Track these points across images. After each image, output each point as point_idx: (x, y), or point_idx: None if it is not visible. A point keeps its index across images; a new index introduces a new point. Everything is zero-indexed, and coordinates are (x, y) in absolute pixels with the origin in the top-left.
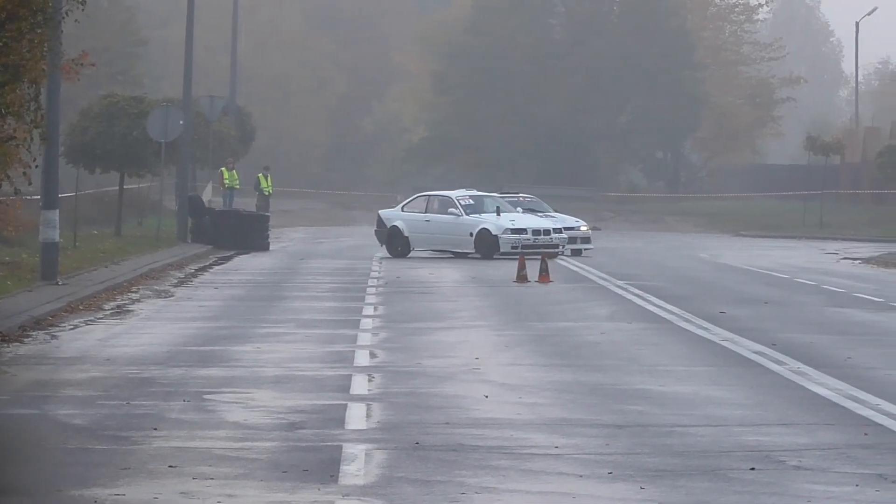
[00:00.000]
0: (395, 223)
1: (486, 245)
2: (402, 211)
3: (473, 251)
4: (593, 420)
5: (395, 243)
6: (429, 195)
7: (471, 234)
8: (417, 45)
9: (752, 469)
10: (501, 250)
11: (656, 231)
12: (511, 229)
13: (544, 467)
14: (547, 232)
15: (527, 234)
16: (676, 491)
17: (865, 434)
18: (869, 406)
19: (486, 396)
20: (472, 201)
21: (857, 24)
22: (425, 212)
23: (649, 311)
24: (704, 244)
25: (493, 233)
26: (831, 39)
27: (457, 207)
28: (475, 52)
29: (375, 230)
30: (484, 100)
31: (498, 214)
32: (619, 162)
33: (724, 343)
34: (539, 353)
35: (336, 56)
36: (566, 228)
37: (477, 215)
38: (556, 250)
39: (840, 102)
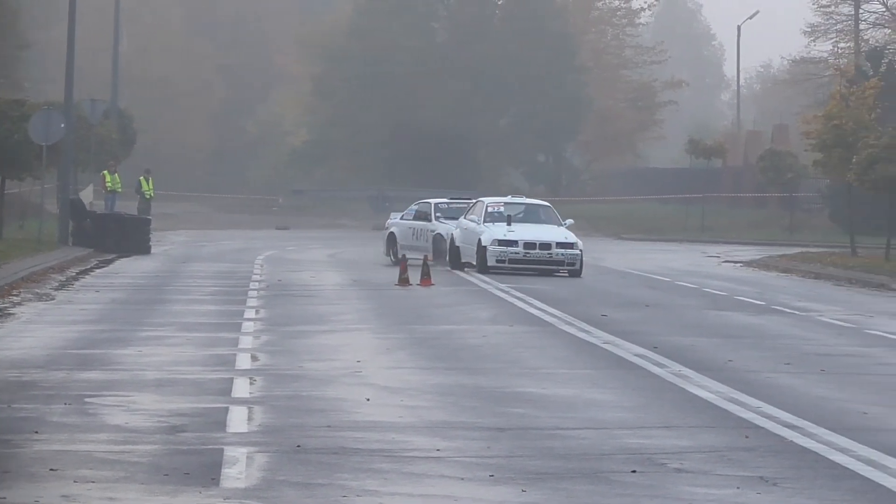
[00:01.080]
0: (452, 231)
1: (480, 257)
2: (464, 218)
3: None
4: (475, 423)
5: (453, 253)
6: (478, 201)
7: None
8: (299, 48)
9: (634, 472)
10: (488, 264)
11: None
12: (500, 241)
13: (426, 470)
14: (546, 246)
15: (516, 246)
16: (558, 493)
17: (746, 437)
18: (750, 409)
19: (368, 399)
20: (502, 208)
21: (738, 27)
22: (466, 218)
23: (531, 314)
24: (586, 247)
25: (483, 244)
26: (713, 43)
27: (479, 214)
28: (357, 55)
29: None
30: (366, 103)
31: (509, 224)
32: (500, 165)
33: (605, 346)
34: (421, 356)
35: (218, 59)
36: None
37: (490, 224)
38: (556, 269)
39: (722, 106)
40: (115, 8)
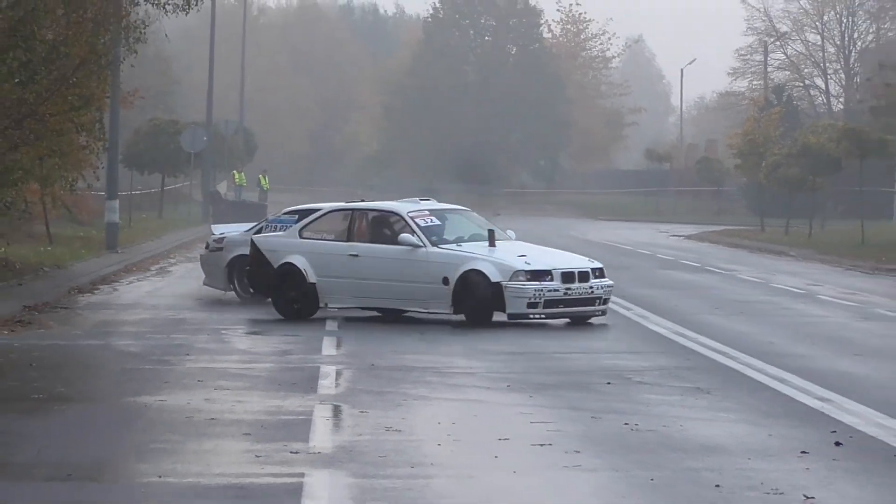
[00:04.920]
0: (288, 258)
1: (478, 300)
2: (300, 237)
3: (448, 309)
4: (497, 349)
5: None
6: (349, 208)
7: (445, 281)
8: (372, 83)
9: (608, 383)
10: (510, 311)
11: (540, 217)
12: (527, 272)
13: (462, 382)
14: (584, 276)
15: (550, 280)
16: (555, 399)
17: (688, 359)
18: (690, 339)
19: (421, 334)
20: (434, 220)
21: (682, 70)
22: (348, 239)
23: None
24: (574, 226)
25: (493, 278)
26: (663, 80)
27: (413, 230)
28: (413, 88)
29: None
30: (419, 123)
31: (491, 244)
32: (513, 168)
33: None
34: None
35: (313, 91)
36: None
37: (453, 246)
38: (594, 309)
39: (669, 126)
40: (242, 56)
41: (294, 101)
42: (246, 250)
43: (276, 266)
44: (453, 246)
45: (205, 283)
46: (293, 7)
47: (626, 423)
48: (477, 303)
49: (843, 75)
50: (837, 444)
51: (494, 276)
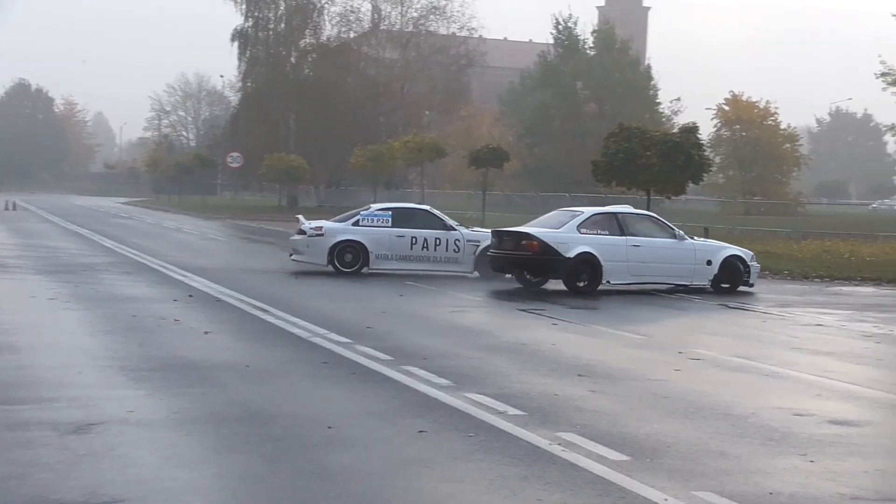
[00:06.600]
0: (580, 249)
1: (735, 275)
2: (580, 233)
3: (707, 282)
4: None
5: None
6: (612, 212)
7: (708, 263)
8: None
9: (85, 271)
10: (751, 282)
11: (57, 195)
12: (753, 255)
13: (14, 272)
14: None
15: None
16: (63, 280)
17: (115, 257)
18: (126, 251)
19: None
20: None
21: (121, 127)
22: (622, 234)
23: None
24: (75, 199)
25: (748, 261)
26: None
27: (671, 227)
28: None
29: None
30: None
31: (706, 237)
32: (40, 173)
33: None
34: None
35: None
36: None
37: (697, 239)
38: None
39: (115, 154)
40: None
41: None
42: (344, 237)
43: (567, 256)
44: (697, 238)
45: (294, 259)
46: None
47: (92, 288)
48: (734, 278)
49: (194, 130)
50: (190, 295)
51: (748, 260)
